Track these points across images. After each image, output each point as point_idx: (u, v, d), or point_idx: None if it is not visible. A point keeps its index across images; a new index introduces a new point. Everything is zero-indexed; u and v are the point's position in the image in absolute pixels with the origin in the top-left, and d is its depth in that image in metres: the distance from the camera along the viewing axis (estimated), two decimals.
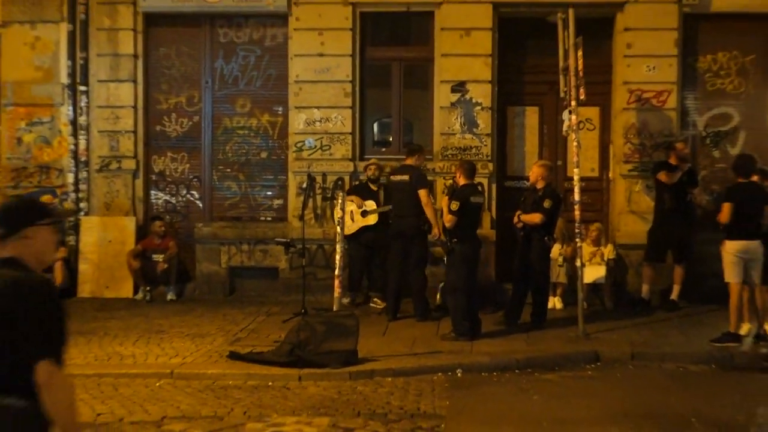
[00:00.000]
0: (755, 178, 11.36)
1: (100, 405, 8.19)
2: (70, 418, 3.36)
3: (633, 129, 13.67)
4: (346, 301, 12.10)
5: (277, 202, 14.29)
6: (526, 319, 11.38)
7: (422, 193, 11.63)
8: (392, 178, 12.26)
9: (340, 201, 11.48)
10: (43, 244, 3.71)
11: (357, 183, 13.36)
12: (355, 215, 12.54)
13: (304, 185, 13.17)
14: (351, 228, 12.44)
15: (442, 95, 13.80)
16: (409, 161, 12.10)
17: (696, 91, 13.91)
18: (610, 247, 13.03)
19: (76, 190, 13.95)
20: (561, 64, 11.62)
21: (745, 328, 10.75)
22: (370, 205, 12.59)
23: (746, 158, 11.41)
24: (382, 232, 12.44)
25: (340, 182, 13.41)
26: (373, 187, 12.92)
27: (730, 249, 10.63)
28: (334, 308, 11.45)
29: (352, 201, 12.54)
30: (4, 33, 13.95)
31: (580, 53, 11.37)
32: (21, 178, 13.02)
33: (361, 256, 12.84)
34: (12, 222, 3.66)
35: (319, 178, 13.34)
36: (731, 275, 10.63)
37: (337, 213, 11.06)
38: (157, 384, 9.00)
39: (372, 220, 12.56)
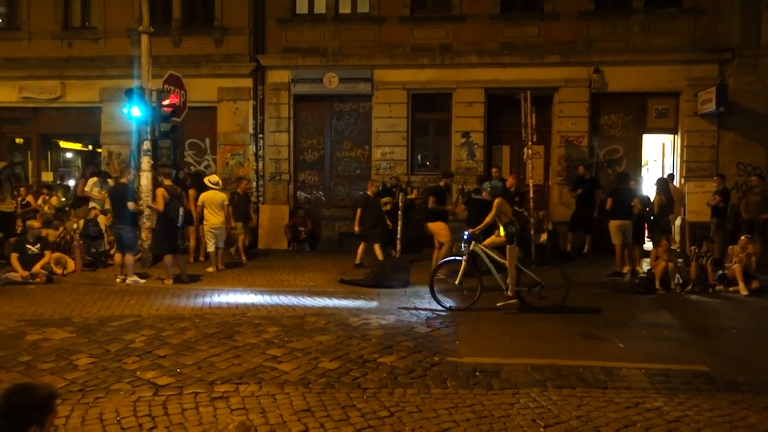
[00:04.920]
0: (632, 184, 11.15)
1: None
2: None
3: (562, 158, 13.41)
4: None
5: None
6: None
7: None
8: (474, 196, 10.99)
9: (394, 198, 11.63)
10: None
11: (381, 188, 12.66)
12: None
13: (380, 188, 13.08)
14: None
15: (456, 139, 13.66)
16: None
17: (598, 136, 13.55)
18: (549, 223, 12.80)
19: (257, 191, 14.13)
20: (523, 121, 11.50)
21: (625, 269, 10.54)
22: (387, 199, 12.16)
23: (623, 174, 11.31)
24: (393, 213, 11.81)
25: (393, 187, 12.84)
26: (394, 190, 12.45)
27: (614, 224, 10.57)
28: (397, 255, 11.53)
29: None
30: (219, 106, 14.13)
31: (533, 115, 11.28)
32: (228, 183, 13.16)
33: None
34: None
35: (388, 185, 13.18)
36: (615, 239, 10.57)
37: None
38: (300, 295, 9.18)
39: (388, 207, 12.04)
